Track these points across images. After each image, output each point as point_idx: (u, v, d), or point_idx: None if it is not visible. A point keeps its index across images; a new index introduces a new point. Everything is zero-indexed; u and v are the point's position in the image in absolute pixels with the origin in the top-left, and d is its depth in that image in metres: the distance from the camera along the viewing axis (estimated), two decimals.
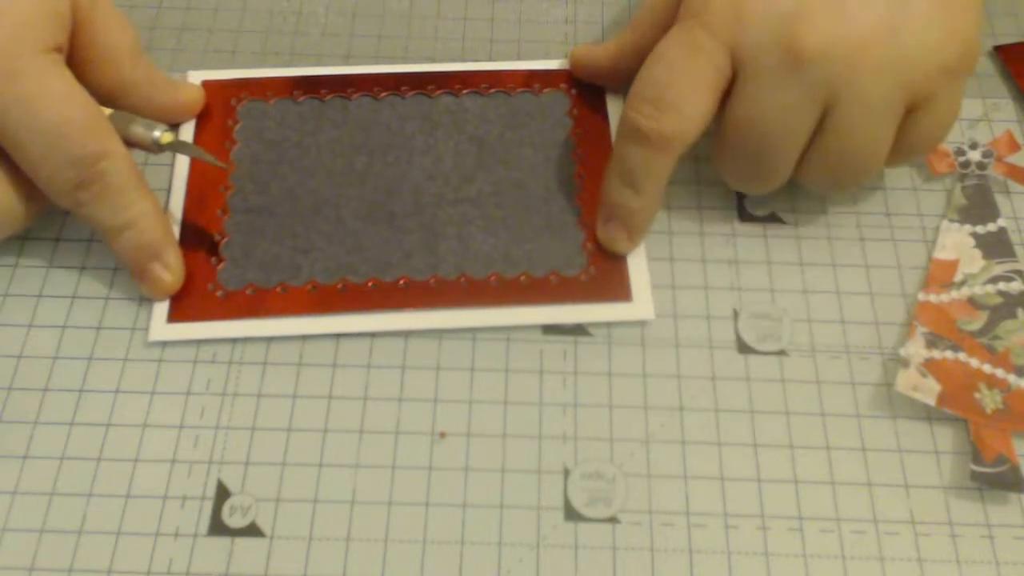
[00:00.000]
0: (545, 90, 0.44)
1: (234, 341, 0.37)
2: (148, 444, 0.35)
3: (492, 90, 0.44)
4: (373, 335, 0.38)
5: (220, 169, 0.41)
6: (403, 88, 0.43)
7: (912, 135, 0.37)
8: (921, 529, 0.34)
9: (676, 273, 0.39)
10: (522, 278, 0.38)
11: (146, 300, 0.38)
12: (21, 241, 0.39)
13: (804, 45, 0.34)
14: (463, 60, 0.45)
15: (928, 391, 0.36)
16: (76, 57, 0.38)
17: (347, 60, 0.45)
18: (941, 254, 0.40)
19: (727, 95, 0.36)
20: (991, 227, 0.40)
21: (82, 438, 0.35)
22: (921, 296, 0.38)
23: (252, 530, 0.34)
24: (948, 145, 0.42)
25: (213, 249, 0.39)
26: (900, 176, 0.42)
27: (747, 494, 0.35)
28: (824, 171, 0.37)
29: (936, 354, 0.36)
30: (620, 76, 0.42)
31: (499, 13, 0.47)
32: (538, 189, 0.41)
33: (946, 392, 0.36)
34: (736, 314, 0.38)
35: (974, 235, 0.40)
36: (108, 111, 0.38)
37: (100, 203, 0.36)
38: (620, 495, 0.34)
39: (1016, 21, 0.48)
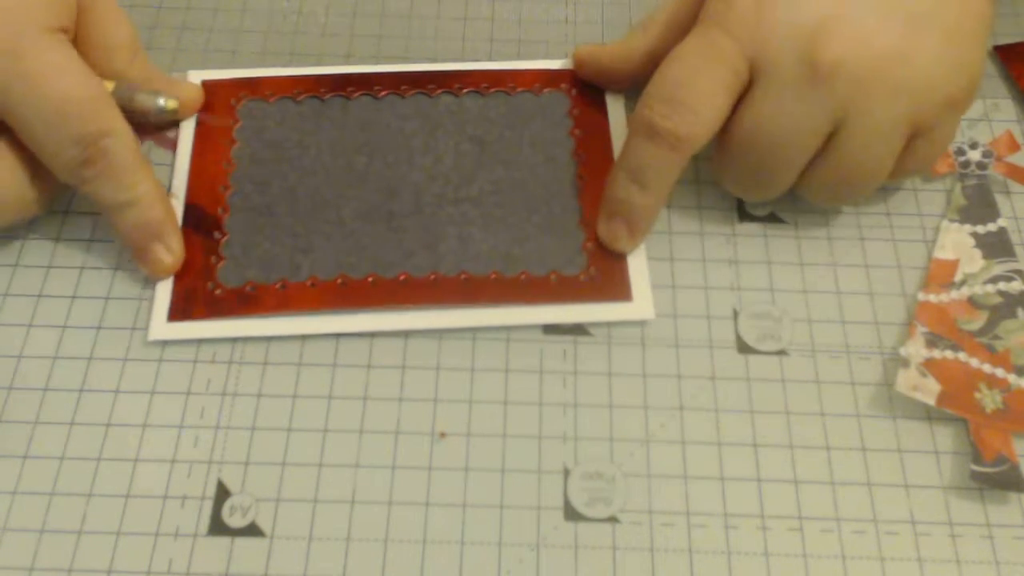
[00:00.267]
0: (545, 90, 0.44)
1: (234, 341, 0.37)
2: (148, 444, 0.35)
3: (492, 90, 0.44)
4: (373, 335, 0.38)
5: (220, 168, 0.41)
6: (403, 87, 0.43)
7: (908, 160, 0.37)
8: (921, 529, 0.34)
9: (676, 273, 0.39)
10: (522, 277, 0.38)
11: (146, 300, 0.38)
12: (21, 241, 0.40)
13: (824, 60, 0.34)
14: (463, 60, 0.45)
15: (928, 391, 0.36)
16: (75, 48, 0.38)
17: (347, 60, 0.45)
18: (941, 254, 0.40)
19: (739, 101, 0.36)
20: (991, 227, 0.40)
21: (82, 438, 0.35)
22: (921, 296, 0.38)
23: (252, 530, 0.34)
24: (950, 143, 0.42)
25: (213, 248, 0.39)
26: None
27: (747, 494, 0.35)
28: (824, 186, 0.38)
29: (936, 354, 0.36)
30: (625, 78, 0.42)
31: (499, 13, 0.47)
32: (538, 189, 0.41)
33: (946, 392, 0.36)
34: (736, 314, 0.38)
35: (974, 235, 0.40)
36: (111, 83, 0.38)
37: (104, 180, 0.36)
38: (620, 495, 0.34)
39: (1016, 21, 0.48)
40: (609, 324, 0.38)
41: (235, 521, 0.34)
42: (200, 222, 0.39)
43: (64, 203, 0.40)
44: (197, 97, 0.42)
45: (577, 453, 0.35)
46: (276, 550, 0.33)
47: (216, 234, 0.39)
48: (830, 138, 0.36)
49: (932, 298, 0.38)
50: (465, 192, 0.40)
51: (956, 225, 0.40)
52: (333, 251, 0.39)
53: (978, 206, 0.41)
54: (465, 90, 0.43)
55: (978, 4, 0.36)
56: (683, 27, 0.38)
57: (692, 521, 0.34)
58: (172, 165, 0.41)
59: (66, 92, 0.35)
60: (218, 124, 0.39)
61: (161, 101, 0.38)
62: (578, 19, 0.47)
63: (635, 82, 0.41)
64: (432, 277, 0.38)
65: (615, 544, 0.34)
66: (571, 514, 0.34)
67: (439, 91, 0.43)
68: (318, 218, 0.40)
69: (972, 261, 0.39)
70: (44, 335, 0.37)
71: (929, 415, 0.36)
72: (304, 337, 0.37)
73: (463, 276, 0.38)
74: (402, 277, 0.38)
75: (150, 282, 0.38)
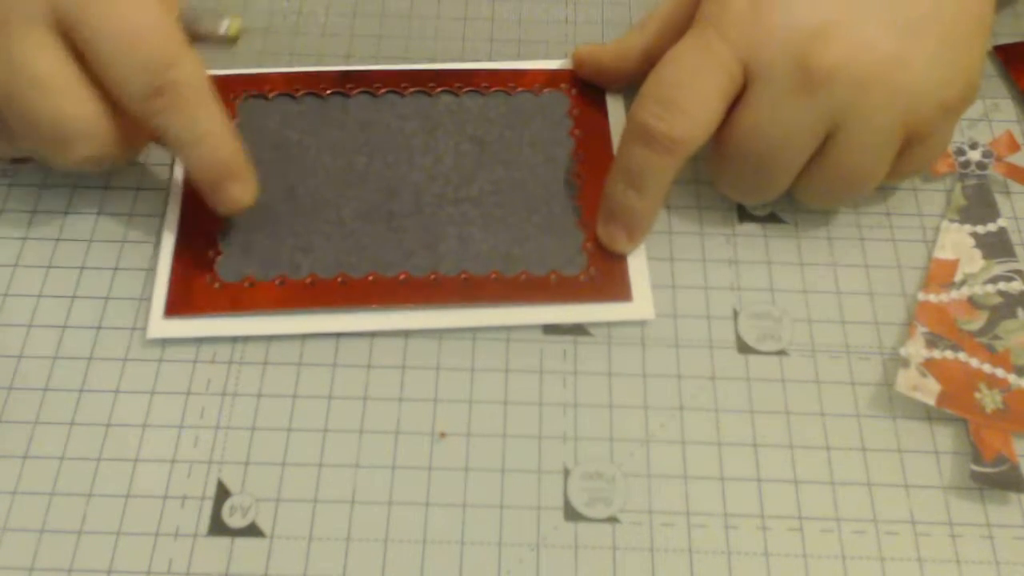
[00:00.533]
0: (545, 90, 0.44)
1: (234, 341, 0.37)
2: (148, 444, 0.35)
3: (492, 90, 0.44)
4: (373, 335, 0.38)
5: None
6: (403, 86, 0.43)
7: (904, 163, 0.37)
8: (921, 529, 0.34)
9: (676, 273, 0.39)
10: (522, 277, 0.38)
11: (146, 300, 0.38)
12: (21, 241, 0.40)
13: (819, 65, 0.34)
14: (463, 60, 0.45)
15: (928, 391, 0.36)
16: None
17: (347, 60, 0.45)
18: (941, 254, 0.40)
19: (734, 104, 0.36)
20: (991, 227, 0.40)
21: (82, 438, 0.35)
22: (921, 296, 0.38)
23: (252, 530, 0.34)
24: (948, 145, 0.42)
25: (211, 243, 0.39)
26: None
27: (747, 494, 0.35)
28: (819, 188, 0.38)
29: (936, 354, 0.36)
30: (623, 77, 0.42)
31: (499, 13, 0.47)
32: (538, 189, 0.41)
33: (946, 392, 0.36)
34: (736, 314, 0.38)
35: (974, 235, 0.40)
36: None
37: (173, 113, 0.35)
38: (620, 495, 0.34)
39: (1016, 21, 0.48)
40: (609, 324, 0.38)
41: (235, 521, 0.34)
42: (199, 218, 0.39)
43: (64, 203, 0.40)
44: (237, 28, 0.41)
45: (577, 453, 0.35)
46: (276, 550, 0.33)
47: (216, 230, 0.39)
48: (825, 142, 0.36)
49: (932, 298, 0.38)
50: (465, 192, 0.40)
51: (956, 225, 0.40)
52: (333, 250, 0.39)
53: (978, 206, 0.41)
54: (465, 90, 0.43)
55: (977, 7, 0.36)
56: (679, 27, 0.38)
57: (692, 521, 0.34)
58: (172, 163, 0.41)
59: (139, 19, 0.34)
60: None
61: (225, 22, 0.37)
62: (578, 19, 0.47)
63: (633, 81, 0.41)
64: (432, 277, 0.38)
65: (615, 544, 0.34)
66: (571, 514, 0.34)
67: (439, 90, 0.43)
68: (318, 217, 0.40)
69: (972, 261, 0.39)
70: (44, 335, 0.37)
71: (929, 415, 0.36)
72: (304, 337, 0.37)
73: (463, 276, 0.38)
74: (402, 276, 0.38)
75: (150, 282, 0.38)
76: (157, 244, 0.39)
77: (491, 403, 0.36)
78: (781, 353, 0.38)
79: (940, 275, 0.39)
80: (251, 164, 0.37)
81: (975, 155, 0.42)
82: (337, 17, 0.47)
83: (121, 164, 0.38)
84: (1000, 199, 0.41)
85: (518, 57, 0.46)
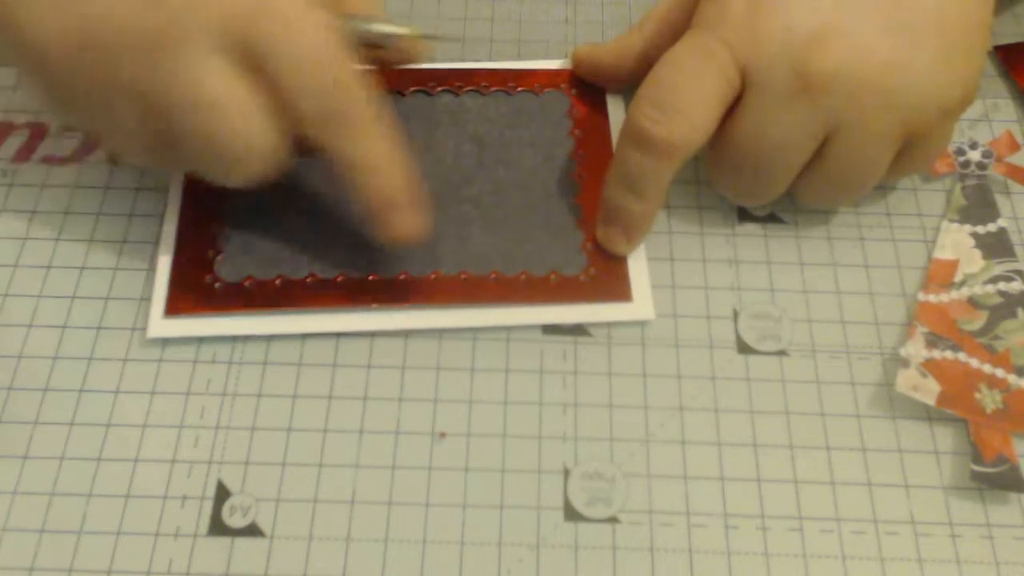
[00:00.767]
0: (545, 90, 0.44)
1: (234, 341, 0.37)
2: (148, 444, 0.35)
3: (492, 89, 0.44)
4: (373, 335, 0.38)
5: None
6: (403, 87, 0.43)
7: (903, 164, 0.37)
8: (921, 529, 0.34)
9: (676, 273, 0.39)
10: (522, 278, 0.38)
11: (146, 300, 0.38)
12: (21, 241, 0.40)
13: (816, 71, 0.34)
14: (463, 60, 0.45)
15: (928, 391, 0.36)
16: None
17: None
18: (941, 254, 0.40)
19: (731, 108, 0.36)
20: (991, 227, 0.40)
21: (82, 438, 0.35)
22: (921, 296, 0.38)
23: (252, 530, 0.34)
24: (948, 145, 0.42)
25: (211, 242, 0.39)
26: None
27: (747, 494, 0.35)
28: (818, 190, 0.38)
29: (936, 354, 0.36)
30: (622, 77, 0.42)
31: (499, 13, 0.47)
32: (538, 189, 0.41)
33: (946, 392, 0.36)
34: (736, 314, 0.38)
35: (974, 235, 0.40)
36: (341, 16, 0.36)
37: (348, 137, 0.34)
38: (620, 495, 0.34)
39: (1016, 21, 0.48)
40: (609, 324, 0.38)
41: (235, 521, 0.34)
42: (199, 217, 0.39)
43: (64, 203, 0.40)
44: (420, 50, 0.40)
45: (577, 453, 0.35)
46: (276, 550, 0.33)
47: (215, 228, 0.39)
48: (824, 145, 0.36)
49: (932, 298, 0.38)
50: (465, 192, 0.40)
51: (956, 225, 0.40)
52: (333, 250, 0.39)
53: (978, 206, 0.41)
54: (465, 90, 0.43)
55: (978, 10, 0.36)
56: (677, 29, 0.38)
57: (692, 521, 0.34)
58: None
59: (320, 44, 0.33)
60: None
61: (402, 29, 0.36)
62: (578, 19, 0.47)
63: (632, 81, 0.41)
64: (432, 276, 0.38)
65: (615, 544, 0.34)
66: (571, 514, 0.34)
67: (439, 90, 0.43)
68: (318, 217, 0.40)
69: (972, 261, 0.39)
70: (44, 335, 0.37)
71: (929, 415, 0.36)
72: (304, 337, 0.37)
73: (463, 276, 0.38)
74: (402, 276, 0.38)
75: (150, 282, 0.38)
76: (157, 244, 0.39)
77: (491, 403, 0.36)
78: (781, 353, 0.38)
79: (940, 275, 0.39)
80: (419, 194, 0.36)
81: (975, 155, 0.42)
82: None
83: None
84: (1000, 199, 0.41)
85: (518, 57, 0.46)
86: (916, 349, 0.37)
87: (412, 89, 0.43)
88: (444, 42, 0.37)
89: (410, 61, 0.40)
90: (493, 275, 0.38)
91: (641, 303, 0.38)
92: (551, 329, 0.38)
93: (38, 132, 0.43)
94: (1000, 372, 0.36)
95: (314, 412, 0.36)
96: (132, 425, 0.35)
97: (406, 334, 0.38)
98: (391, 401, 0.36)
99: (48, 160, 0.42)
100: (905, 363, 0.36)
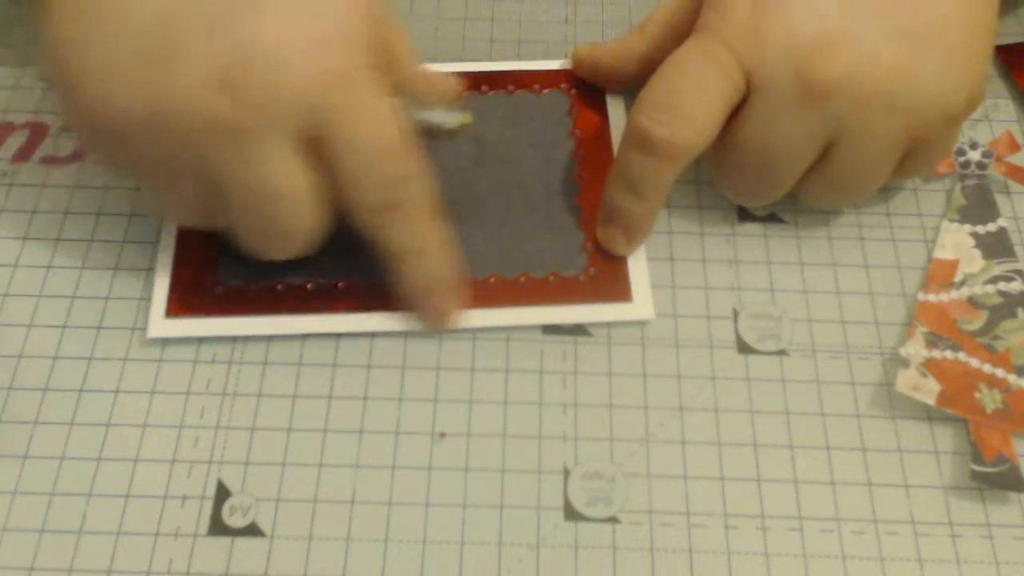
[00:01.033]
0: (545, 90, 0.44)
1: (234, 341, 0.37)
2: (148, 444, 0.35)
3: (492, 90, 0.44)
4: (373, 335, 0.38)
5: None
6: None
7: (906, 168, 0.38)
8: (921, 529, 0.34)
9: (676, 273, 0.39)
10: (522, 279, 0.38)
11: (146, 299, 0.38)
12: (21, 241, 0.40)
13: (820, 77, 0.34)
14: (463, 60, 0.45)
15: (928, 391, 0.36)
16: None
17: None
18: (941, 254, 0.40)
19: (735, 112, 0.36)
20: (991, 227, 0.40)
21: (82, 438, 0.35)
22: (921, 296, 0.38)
23: (252, 530, 0.34)
24: (951, 150, 0.42)
25: (212, 243, 0.39)
26: None
27: (747, 494, 0.35)
28: (821, 192, 0.38)
29: (936, 354, 0.36)
30: (622, 78, 0.42)
31: (499, 13, 0.47)
32: (538, 189, 0.41)
33: (946, 392, 0.36)
34: (736, 314, 0.38)
35: (974, 235, 0.40)
36: (398, 100, 0.36)
37: (401, 226, 0.35)
38: (620, 495, 0.34)
39: (1017, 21, 0.48)
40: (609, 324, 0.38)
41: (235, 521, 0.34)
42: None
43: (64, 203, 0.40)
44: (455, 85, 0.40)
45: (577, 453, 0.35)
46: (276, 550, 0.33)
47: (218, 231, 0.39)
48: (827, 149, 0.36)
49: (932, 298, 0.38)
50: (464, 192, 0.40)
51: (956, 225, 0.40)
52: (333, 251, 0.39)
53: (978, 206, 0.41)
54: (465, 90, 0.43)
55: (983, 17, 0.36)
56: (679, 32, 0.38)
57: (692, 521, 0.34)
58: None
59: (388, 133, 0.33)
60: None
61: (453, 116, 0.37)
62: (578, 19, 0.47)
63: (632, 83, 0.41)
64: None
65: (615, 544, 0.34)
66: (571, 514, 0.34)
67: None
68: None
69: (972, 261, 0.39)
70: (44, 335, 0.37)
71: (929, 415, 0.36)
72: (304, 337, 0.37)
73: (463, 280, 0.38)
74: None
75: (150, 282, 0.38)
76: (157, 244, 0.39)
77: (491, 403, 0.36)
78: (781, 353, 0.38)
79: (940, 275, 0.39)
80: (461, 284, 0.37)
81: (975, 155, 0.42)
82: None
83: None
84: (1000, 199, 0.41)
85: (518, 57, 0.46)
86: (916, 349, 0.37)
87: None
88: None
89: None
90: (492, 278, 0.38)
91: (641, 303, 0.38)
92: (551, 329, 0.38)
93: (38, 132, 0.43)
94: (1000, 372, 0.36)
95: (314, 412, 0.36)
96: (132, 425, 0.35)
97: (406, 334, 0.38)
98: (391, 401, 0.36)
99: (48, 160, 0.42)
100: (905, 363, 0.36)
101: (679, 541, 0.34)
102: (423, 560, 0.33)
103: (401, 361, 0.37)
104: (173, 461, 0.35)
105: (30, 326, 0.38)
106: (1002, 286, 0.38)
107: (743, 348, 0.38)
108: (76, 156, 0.42)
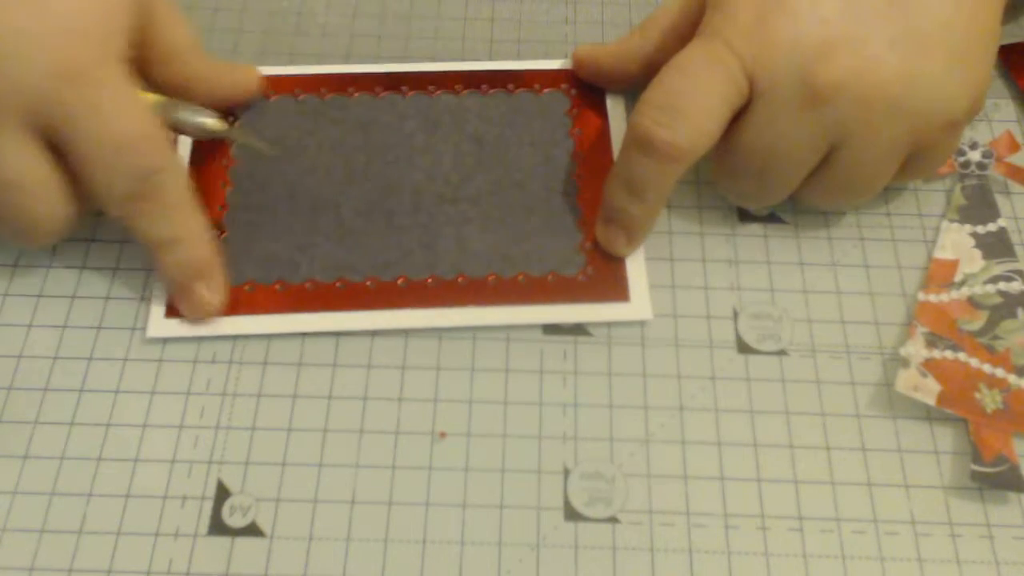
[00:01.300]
0: (545, 90, 0.44)
1: (234, 340, 0.37)
2: (148, 444, 0.35)
3: (492, 90, 0.44)
4: (373, 335, 0.38)
5: (220, 166, 0.41)
6: (403, 87, 0.43)
7: (908, 171, 0.38)
8: (921, 529, 0.34)
9: (676, 273, 0.39)
10: (520, 278, 0.38)
11: (146, 300, 0.38)
12: None
13: (823, 82, 0.34)
14: (463, 60, 0.45)
15: (928, 391, 0.36)
16: (140, 57, 0.38)
17: (347, 60, 0.45)
18: (941, 254, 0.40)
19: (738, 115, 0.36)
20: (991, 227, 0.40)
21: (82, 438, 0.35)
22: (921, 296, 0.38)
23: (252, 530, 0.34)
24: (952, 153, 0.42)
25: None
26: None
27: (747, 494, 0.35)
28: (823, 195, 0.38)
29: (936, 354, 0.36)
30: (623, 79, 0.42)
31: (499, 13, 0.47)
32: (537, 189, 0.41)
33: (946, 392, 0.36)
34: (736, 314, 0.38)
35: (974, 235, 0.40)
36: (154, 98, 0.38)
37: (152, 216, 0.35)
38: (620, 495, 0.34)
39: (1017, 21, 0.48)
40: (609, 324, 0.38)
41: (235, 521, 0.34)
42: None
43: None
44: (256, 79, 0.42)
45: (577, 453, 0.35)
46: (276, 550, 0.33)
47: (215, 231, 0.39)
48: (830, 153, 0.36)
49: (932, 298, 0.38)
50: (464, 191, 0.40)
51: (956, 225, 0.40)
52: (331, 249, 0.39)
53: (978, 206, 0.41)
54: (465, 90, 0.43)
55: (986, 22, 0.36)
56: (682, 35, 0.38)
57: (692, 521, 0.34)
58: None
59: (128, 127, 0.34)
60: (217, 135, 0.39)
61: (203, 120, 0.37)
62: (578, 19, 0.47)
63: (633, 84, 0.41)
64: (430, 280, 0.38)
65: (615, 544, 0.34)
66: (571, 514, 0.34)
67: (439, 91, 0.43)
68: (317, 216, 0.40)
69: (972, 261, 0.39)
70: (44, 335, 0.37)
71: (929, 415, 0.36)
72: (304, 337, 0.37)
73: (460, 279, 0.38)
74: (400, 280, 0.38)
75: (150, 282, 0.38)
76: None
77: (491, 403, 0.36)
78: (781, 353, 0.38)
79: (940, 275, 0.39)
80: (224, 269, 0.37)
81: (975, 155, 0.42)
82: (337, 17, 0.47)
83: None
84: (1000, 199, 0.41)
85: (518, 57, 0.45)
86: (916, 349, 0.37)
87: (412, 92, 0.43)
88: (251, 146, 0.40)
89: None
90: (491, 277, 0.38)
91: (639, 303, 0.38)
92: (551, 329, 0.38)
93: None
94: (1000, 372, 0.36)
95: (314, 412, 0.36)
96: (132, 425, 0.35)
97: (406, 334, 0.38)
98: (391, 401, 0.36)
99: None
100: (905, 363, 0.36)
101: (679, 541, 0.34)
102: (423, 560, 0.33)
103: (401, 361, 0.37)
104: (173, 461, 0.35)
105: (30, 326, 0.38)
106: (1002, 286, 0.38)
107: (743, 348, 0.38)
108: None
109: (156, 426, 0.35)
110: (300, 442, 0.35)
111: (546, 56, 0.45)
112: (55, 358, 0.37)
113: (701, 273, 0.39)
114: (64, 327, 0.38)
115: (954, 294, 0.38)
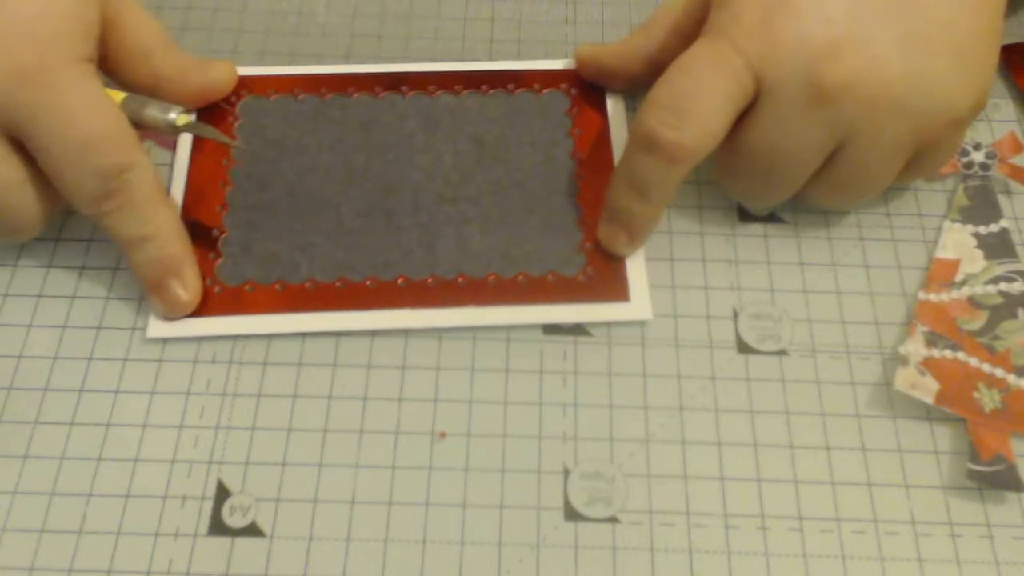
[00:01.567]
0: (545, 90, 0.44)
1: (234, 340, 0.37)
2: (148, 444, 0.35)
3: (492, 90, 0.44)
4: (373, 335, 0.38)
5: (220, 165, 0.41)
6: (403, 87, 0.43)
7: (913, 170, 0.38)
8: (921, 529, 0.34)
9: (676, 273, 0.39)
10: (520, 278, 0.38)
11: (145, 300, 0.38)
12: None
13: (829, 82, 0.34)
14: (463, 60, 0.45)
15: (926, 389, 0.36)
16: (109, 58, 0.38)
17: (347, 60, 0.45)
18: (943, 254, 0.40)
19: (743, 114, 0.36)
20: (993, 228, 0.40)
21: (82, 438, 0.35)
22: (921, 295, 0.38)
23: (252, 530, 0.34)
24: (957, 151, 0.42)
25: (212, 245, 0.39)
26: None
27: (747, 494, 0.35)
28: (827, 194, 0.38)
29: (935, 353, 0.36)
30: (626, 78, 0.42)
31: (499, 13, 0.47)
32: (537, 189, 0.41)
33: (944, 391, 0.36)
34: (736, 314, 0.38)
35: (976, 235, 0.40)
36: (122, 95, 0.38)
37: (123, 214, 0.36)
38: (620, 495, 0.34)
39: (1017, 21, 0.48)
40: (609, 324, 0.38)
41: (235, 521, 0.34)
42: (199, 219, 0.39)
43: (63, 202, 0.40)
44: (230, 75, 0.42)
45: (577, 453, 0.35)
46: (276, 550, 0.33)
47: (215, 231, 0.39)
48: (834, 152, 0.36)
49: (932, 297, 0.38)
50: (464, 191, 0.40)
51: (958, 225, 0.40)
52: (331, 249, 0.39)
53: (981, 207, 0.41)
54: (465, 90, 0.43)
55: (990, 19, 0.36)
56: (686, 35, 0.38)
57: (692, 521, 0.34)
58: (172, 163, 0.41)
59: (92, 126, 0.34)
60: (216, 137, 0.39)
61: (172, 115, 0.37)
62: (578, 19, 0.47)
63: (636, 84, 0.41)
64: (430, 280, 0.38)
65: (615, 544, 0.34)
66: (571, 514, 0.34)
67: (439, 91, 0.43)
68: (317, 216, 0.40)
69: (974, 261, 0.39)
70: (44, 335, 0.37)
71: (929, 415, 0.36)
72: (304, 337, 0.37)
73: (460, 279, 0.38)
74: (400, 280, 0.38)
75: None
76: None
77: (491, 403, 0.36)
78: (781, 353, 0.38)
79: (941, 275, 0.39)
80: (196, 266, 0.37)
81: (979, 156, 0.42)
82: (337, 17, 0.47)
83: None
84: (1001, 200, 0.41)
85: (518, 57, 0.45)
86: (915, 347, 0.37)
87: (412, 92, 0.43)
88: (217, 140, 0.40)
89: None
90: (491, 277, 0.38)
91: (639, 303, 0.38)
92: (551, 329, 0.38)
93: None
94: (999, 372, 0.36)
95: (314, 412, 0.36)
96: (132, 425, 0.35)
97: (406, 334, 0.38)
98: (391, 401, 0.36)
99: None
100: (904, 361, 0.36)
101: (679, 541, 0.34)
102: (423, 560, 0.33)
103: (401, 361, 0.37)
104: (173, 461, 0.35)
105: (30, 326, 0.38)
106: (1003, 286, 0.38)
107: (743, 348, 0.38)
108: None
109: (156, 426, 0.35)
110: (300, 442, 0.35)
111: (546, 56, 0.45)
112: (55, 358, 0.37)
113: (701, 273, 0.39)
114: (64, 327, 0.38)
115: (955, 294, 0.38)
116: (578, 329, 0.38)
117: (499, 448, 0.35)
